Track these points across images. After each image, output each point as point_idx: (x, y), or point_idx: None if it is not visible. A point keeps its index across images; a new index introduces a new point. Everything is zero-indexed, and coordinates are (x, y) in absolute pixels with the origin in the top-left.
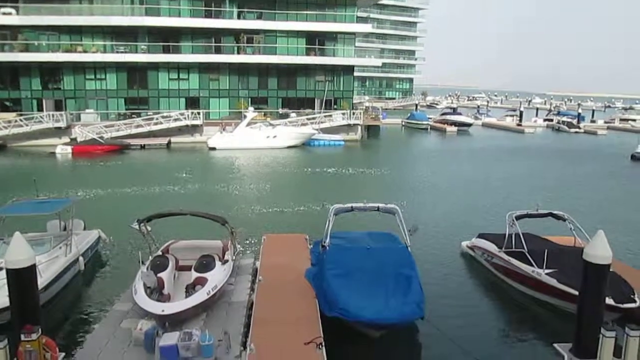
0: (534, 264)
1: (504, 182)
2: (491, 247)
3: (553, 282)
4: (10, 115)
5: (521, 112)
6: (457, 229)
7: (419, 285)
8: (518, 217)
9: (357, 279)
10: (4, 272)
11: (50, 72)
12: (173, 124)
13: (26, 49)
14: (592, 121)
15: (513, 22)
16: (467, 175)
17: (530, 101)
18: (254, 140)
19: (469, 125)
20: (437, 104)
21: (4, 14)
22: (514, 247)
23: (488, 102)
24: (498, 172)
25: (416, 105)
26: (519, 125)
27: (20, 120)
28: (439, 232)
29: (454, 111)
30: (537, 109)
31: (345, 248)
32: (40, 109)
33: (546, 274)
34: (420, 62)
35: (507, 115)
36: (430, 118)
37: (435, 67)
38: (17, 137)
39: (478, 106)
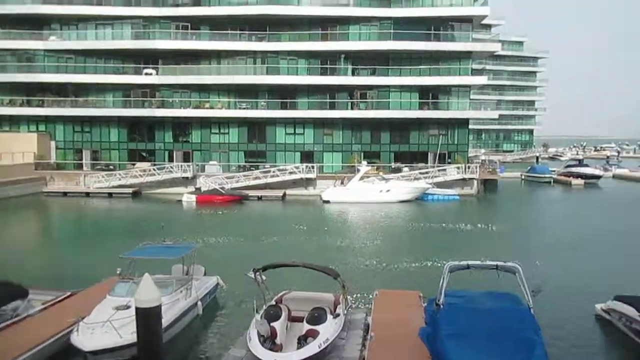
0: None
1: None
2: (631, 311)
3: None
4: (145, 165)
5: None
6: (589, 290)
7: (543, 351)
8: None
9: (474, 342)
10: (131, 310)
11: (181, 126)
12: (288, 177)
13: (162, 105)
14: None
15: None
16: (599, 231)
17: None
18: (367, 194)
19: (598, 177)
20: (560, 156)
21: (147, 74)
22: None
23: (619, 152)
24: (636, 228)
25: (537, 157)
26: None
27: (153, 169)
28: (567, 293)
29: (580, 163)
30: None
31: (461, 308)
32: (170, 159)
33: None
34: (541, 113)
35: None
36: (554, 171)
37: (558, 116)
38: (150, 185)
39: (607, 157)
